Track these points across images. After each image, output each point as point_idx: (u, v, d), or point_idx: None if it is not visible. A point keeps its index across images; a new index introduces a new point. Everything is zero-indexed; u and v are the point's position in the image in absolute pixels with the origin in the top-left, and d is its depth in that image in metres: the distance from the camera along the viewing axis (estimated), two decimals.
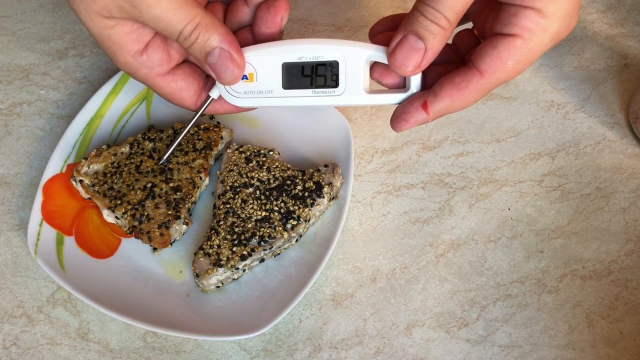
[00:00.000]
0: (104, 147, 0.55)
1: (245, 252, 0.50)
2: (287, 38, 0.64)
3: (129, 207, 0.52)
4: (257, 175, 0.54)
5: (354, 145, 0.56)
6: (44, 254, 0.51)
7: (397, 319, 0.52)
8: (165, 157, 0.53)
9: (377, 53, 0.41)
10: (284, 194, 0.53)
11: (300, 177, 0.54)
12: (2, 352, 0.50)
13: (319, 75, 0.43)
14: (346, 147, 0.55)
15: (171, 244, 0.52)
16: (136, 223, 0.51)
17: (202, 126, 0.56)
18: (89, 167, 0.54)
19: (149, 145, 0.55)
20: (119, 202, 0.52)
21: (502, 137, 0.59)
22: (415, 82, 0.42)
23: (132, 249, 0.53)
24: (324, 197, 0.53)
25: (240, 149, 0.55)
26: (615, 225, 0.55)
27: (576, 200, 0.56)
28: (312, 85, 0.43)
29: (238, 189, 0.53)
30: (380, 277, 0.53)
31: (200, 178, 0.54)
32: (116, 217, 0.52)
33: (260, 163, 0.54)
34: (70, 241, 0.53)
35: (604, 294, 0.52)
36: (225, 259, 0.50)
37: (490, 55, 0.39)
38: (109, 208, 0.52)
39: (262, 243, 0.51)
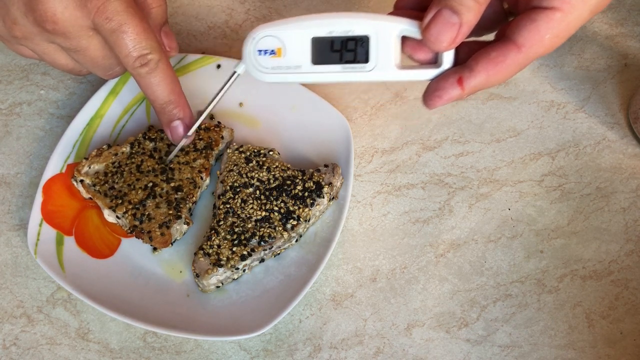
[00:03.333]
0: (104, 147, 0.55)
1: (245, 252, 0.50)
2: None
3: (130, 206, 0.52)
4: (257, 175, 0.54)
5: (354, 145, 0.56)
6: (44, 254, 0.51)
7: (397, 319, 0.52)
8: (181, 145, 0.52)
9: (409, 28, 0.40)
10: (284, 194, 0.53)
11: (300, 177, 0.54)
12: (2, 352, 0.50)
13: (349, 50, 0.41)
14: (346, 147, 0.55)
15: (172, 244, 0.52)
16: (137, 223, 0.51)
17: (202, 126, 0.56)
18: (89, 167, 0.54)
19: (149, 145, 0.55)
20: (120, 201, 0.52)
21: (502, 137, 0.59)
22: (448, 58, 0.41)
23: (132, 248, 0.53)
24: (324, 197, 0.53)
25: (240, 149, 0.55)
26: (615, 225, 0.55)
27: (576, 200, 0.56)
28: (341, 60, 0.42)
29: (238, 189, 0.53)
30: (380, 277, 0.53)
31: (201, 178, 0.54)
32: (117, 217, 0.52)
33: (260, 163, 0.54)
34: (70, 241, 0.53)
35: (604, 294, 0.52)
36: (225, 259, 0.50)
37: (529, 29, 0.38)
38: (110, 208, 0.52)
39: (262, 243, 0.51)
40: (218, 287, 0.51)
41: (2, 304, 0.52)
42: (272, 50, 0.42)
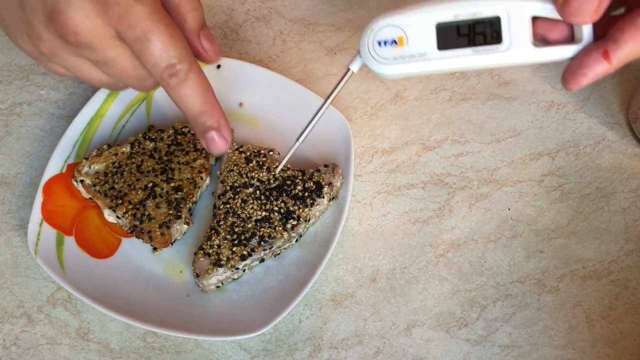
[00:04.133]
0: (104, 147, 0.55)
1: (245, 252, 0.50)
2: (286, 39, 0.64)
3: (130, 206, 0.52)
4: (257, 175, 0.54)
5: (354, 145, 0.56)
6: (44, 254, 0.51)
7: (397, 319, 0.52)
8: (282, 165, 0.49)
9: (543, 5, 0.38)
10: (284, 194, 0.53)
11: (300, 177, 0.54)
12: (2, 352, 0.50)
13: (478, 33, 0.40)
14: (346, 147, 0.55)
15: (172, 244, 0.52)
16: (137, 223, 0.51)
17: None
18: (89, 167, 0.54)
19: (149, 145, 0.55)
20: (120, 201, 0.52)
21: (502, 137, 0.59)
22: (588, 32, 0.39)
23: (132, 248, 0.53)
24: (324, 197, 0.53)
25: (240, 149, 0.55)
26: (615, 225, 0.55)
27: (576, 200, 0.56)
28: (470, 43, 0.40)
29: (238, 189, 0.53)
30: (380, 277, 0.53)
31: (201, 178, 0.54)
32: (117, 217, 0.52)
33: (260, 163, 0.54)
34: (70, 241, 0.53)
35: (604, 294, 0.52)
36: (225, 259, 0.50)
37: None
38: (110, 208, 0.52)
39: (262, 243, 0.51)
40: (218, 287, 0.51)
41: (2, 304, 0.52)
42: (393, 40, 0.40)
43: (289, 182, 0.53)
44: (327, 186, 0.53)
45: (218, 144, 0.43)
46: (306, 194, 0.53)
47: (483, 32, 0.39)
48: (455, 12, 0.39)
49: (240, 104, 0.59)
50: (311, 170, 0.54)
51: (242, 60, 0.60)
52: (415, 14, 0.39)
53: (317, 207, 0.53)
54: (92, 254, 0.53)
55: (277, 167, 0.51)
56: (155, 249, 0.53)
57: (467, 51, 0.40)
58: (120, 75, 0.42)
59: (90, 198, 0.54)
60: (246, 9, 0.67)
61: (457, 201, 0.56)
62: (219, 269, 0.50)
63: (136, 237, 0.52)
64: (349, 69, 0.42)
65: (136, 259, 0.53)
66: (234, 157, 0.55)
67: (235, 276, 0.51)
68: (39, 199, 0.53)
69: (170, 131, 0.56)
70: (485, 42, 0.39)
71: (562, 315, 0.52)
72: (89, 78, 0.43)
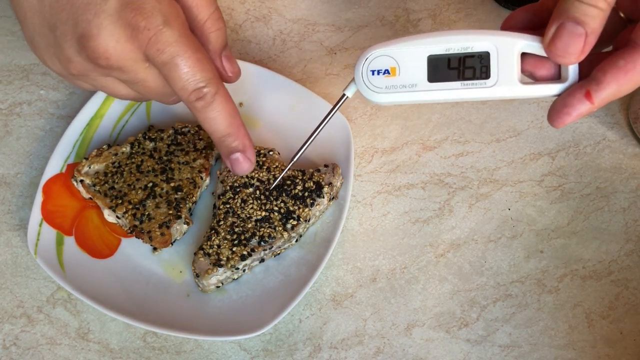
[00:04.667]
0: (104, 147, 0.55)
1: (245, 252, 0.50)
2: (286, 39, 0.64)
3: (130, 206, 0.52)
4: (257, 175, 0.54)
5: (354, 145, 0.56)
6: (44, 254, 0.51)
7: (397, 319, 0.52)
8: (278, 180, 0.52)
9: (531, 43, 0.40)
10: (284, 194, 0.53)
11: (300, 177, 0.54)
12: (2, 352, 0.50)
13: (468, 67, 0.41)
14: (346, 147, 0.55)
15: (172, 244, 0.52)
16: (137, 223, 0.51)
17: None
18: (89, 167, 0.54)
19: (149, 145, 0.55)
20: (120, 201, 0.52)
21: (502, 137, 0.59)
22: (573, 72, 0.40)
23: (132, 249, 0.53)
24: (324, 197, 0.53)
25: None
26: (615, 225, 0.55)
27: (576, 200, 0.56)
28: (459, 77, 0.41)
29: (238, 189, 0.53)
30: (380, 277, 0.53)
31: (201, 178, 0.54)
32: (117, 217, 0.52)
33: (260, 163, 0.54)
34: (70, 241, 0.53)
35: (604, 294, 0.52)
36: (225, 259, 0.50)
37: None
38: (110, 208, 0.52)
39: (262, 243, 0.51)
40: (218, 287, 0.51)
41: (2, 304, 0.52)
42: (386, 70, 0.42)
43: (289, 182, 0.53)
44: (327, 186, 0.53)
45: (242, 165, 0.44)
46: (306, 193, 0.53)
47: (472, 67, 0.41)
48: (446, 46, 0.41)
49: (240, 104, 0.59)
50: (311, 170, 0.54)
51: (242, 60, 0.60)
52: (408, 46, 0.41)
53: (317, 207, 0.53)
54: (92, 254, 0.53)
55: (272, 185, 0.53)
56: (155, 249, 0.53)
57: (456, 84, 0.41)
58: (148, 93, 0.43)
59: (90, 198, 0.54)
60: (246, 9, 0.66)
61: (457, 201, 0.56)
62: (219, 269, 0.50)
63: (136, 237, 0.52)
64: (344, 94, 0.44)
65: (136, 259, 0.53)
66: None
67: (235, 276, 0.51)
68: (39, 199, 0.53)
69: (170, 131, 0.56)
70: (474, 77, 0.41)
71: (562, 315, 0.52)
72: (116, 94, 0.45)
